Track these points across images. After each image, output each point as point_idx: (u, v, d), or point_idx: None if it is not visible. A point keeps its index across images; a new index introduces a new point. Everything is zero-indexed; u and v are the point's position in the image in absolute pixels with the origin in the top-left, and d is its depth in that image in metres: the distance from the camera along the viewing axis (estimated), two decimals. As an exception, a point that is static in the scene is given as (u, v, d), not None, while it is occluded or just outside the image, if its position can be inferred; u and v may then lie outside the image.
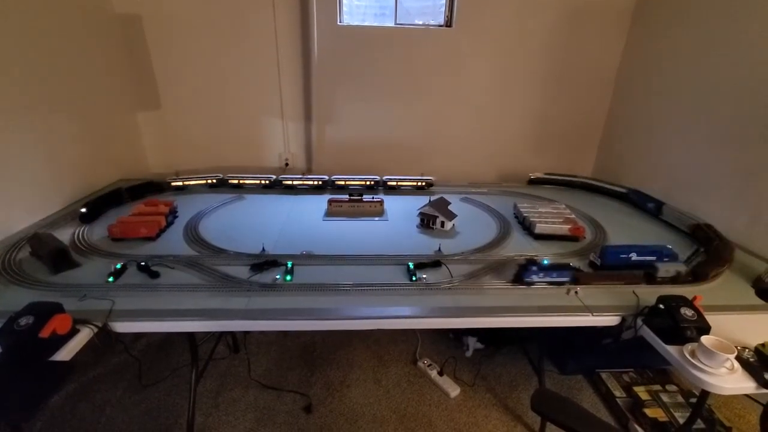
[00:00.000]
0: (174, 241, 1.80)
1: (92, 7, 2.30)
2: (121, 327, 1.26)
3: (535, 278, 1.52)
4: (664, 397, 1.91)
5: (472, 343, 2.29)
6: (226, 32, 2.58)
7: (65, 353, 1.10)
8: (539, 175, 2.72)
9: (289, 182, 2.48)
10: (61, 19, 2.05)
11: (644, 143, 2.65)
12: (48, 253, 1.52)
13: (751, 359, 1.15)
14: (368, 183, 2.52)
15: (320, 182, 2.50)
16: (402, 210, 2.21)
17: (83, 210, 1.91)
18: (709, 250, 1.74)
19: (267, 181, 2.48)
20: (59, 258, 1.53)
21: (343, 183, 2.52)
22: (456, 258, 1.70)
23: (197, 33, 2.56)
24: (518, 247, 1.84)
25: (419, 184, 2.54)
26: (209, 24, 2.55)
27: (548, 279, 1.52)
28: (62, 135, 2.11)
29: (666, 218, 2.16)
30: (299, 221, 2.06)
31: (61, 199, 2.09)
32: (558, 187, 2.74)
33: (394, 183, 2.53)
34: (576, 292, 1.47)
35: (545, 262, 1.64)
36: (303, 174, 2.56)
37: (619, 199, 2.46)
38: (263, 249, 1.70)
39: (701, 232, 1.90)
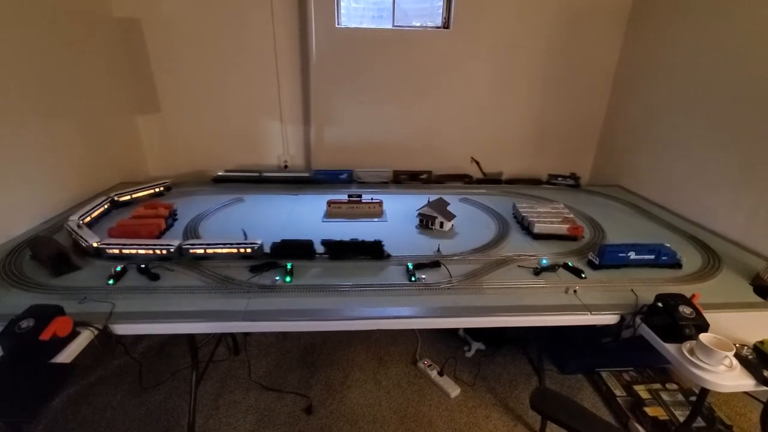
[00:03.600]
0: (174, 244, 1.80)
1: (91, 11, 2.30)
2: (122, 329, 1.26)
3: None
4: (665, 396, 1.91)
5: (476, 345, 2.30)
6: (225, 35, 2.59)
7: (66, 356, 1.11)
8: (221, 173, 2.61)
9: (128, 197, 2.23)
10: (59, 23, 2.06)
11: (642, 143, 2.65)
12: (48, 256, 1.53)
13: (750, 357, 1.15)
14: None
15: (161, 188, 2.39)
16: (401, 211, 2.22)
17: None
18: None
19: (106, 205, 2.09)
20: (60, 261, 1.53)
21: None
22: (455, 258, 1.71)
23: (196, 36, 2.57)
24: (517, 246, 1.85)
25: (156, 190, 2.37)
26: (208, 27, 2.56)
27: None
28: (62, 139, 2.11)
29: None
30: (299, 223, 2.07)
31: (62, 203, 2.10)
32: (557, 187, 2.74)
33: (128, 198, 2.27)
34: (575, 291, 1.48)
35: (544, 261, 1.65)
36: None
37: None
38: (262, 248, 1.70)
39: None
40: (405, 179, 2.73)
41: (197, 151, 2.87)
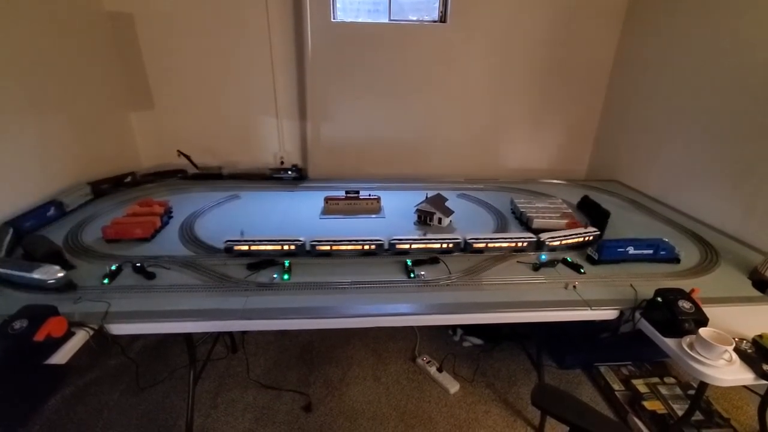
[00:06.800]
0: (169, 242, 1.79)
1: (82, 5, 2.26)
2: (118, 329, 1.24)
3: None
4: (663, 390, 1.92)
5: (460, 332, 2.35)
6: (219, 30, 2.55)
7: (60, 356, 1.09)
8: None
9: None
10: (49, 18, 2.02)
11: (639, 138, 2.65)
12: (42, 255, 1.50)
13: (749, 350, 1.15)
14: None
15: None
16: (399, 207, 2.21)
17: None
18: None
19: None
20: (53, 260, 1.51)
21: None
22: (454, 254, 1.70)
23: (189, 31, 2.54)
24: (516, 242, 1.84)
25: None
26: (201, 22, 2.52)
27: None
28: (54, 135, 2.08)
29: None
30: (296, 219, 2.05)
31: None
32: (556, 183, 2.74)
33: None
34: (574, 287, 1.47)
35: (543, 257, 1.64)
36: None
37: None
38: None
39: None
40: (107, 188, 2.28)
41: (192, 147, 2.83)
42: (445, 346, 2.30)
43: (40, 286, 1.35)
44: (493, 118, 2.96)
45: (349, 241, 1.65)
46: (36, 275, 1.33)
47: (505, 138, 3.04)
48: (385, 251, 1.68)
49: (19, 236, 1.71)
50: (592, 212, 2.13)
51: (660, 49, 2.46)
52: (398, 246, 1.66)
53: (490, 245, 1.69)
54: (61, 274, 1.36)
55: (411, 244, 1.67)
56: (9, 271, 1.37)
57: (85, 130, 2.30)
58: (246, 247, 1.62)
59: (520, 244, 1.71)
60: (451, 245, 1.68)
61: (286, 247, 1.62)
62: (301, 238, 1.64)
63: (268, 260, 1.58)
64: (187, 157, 2.48)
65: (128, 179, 2.40)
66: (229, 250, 1.62)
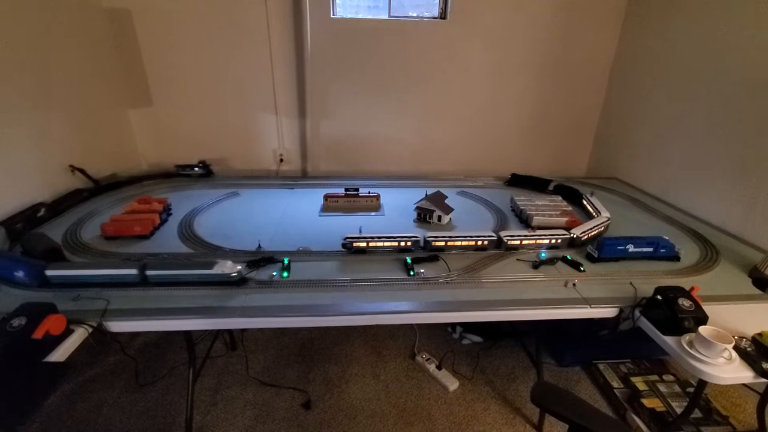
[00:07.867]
0: (168, 239, 1.78)
1: (79, 1, 2.25)
2: (116, 326, 1.24)
3: None
4: (662, 387, 1.92)
5: (459, 330, 2.35)
6: (218, 26, 2.54)
7: (59, 354, 1.09)
8: None
9: None
10: (46, 13, 2.01)
11: (640, 135, 2.65)
12: (41, 252, 1.50)
13: (749, 349, 1.15)
14: None
15: None
16: (398, 204, 2.20)
17: None
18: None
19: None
20: (52, 258, 1.50)
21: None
22: (454, 252, 1.70)
23: (188, 28, 2.52)
24: (516, 240, 1.83)
25: None
26: (200, 18, 2.51)
27: None
28: (51, 132, 2.07)
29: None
30: (295, 217, 2.05)
31: (52, 197, 2.06)
32: (556, 181, 2.72)
33: None
34: (574, 284, 1.47)
35: (543, 255, 1.64)
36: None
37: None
38: (259, 246, 1.69)
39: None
40: (20, 228, 1.77)
41: (191, 144, 2.83)
42: (444, 343, 2.31)
43: (224, 281, 1.41)
44: (493, 116, 2.96)
45: (464, 237, 1.68)
46: (218, 271, 1.39)
47: (504, 135, 3.03)
48: (496, 247, 1.70)
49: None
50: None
51: (660, 48, 2.45)
52: (510, 242, 1.68)
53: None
54: (239, 267, 1.43)
55: (522, 240, 1.69)
56: (187, 272, 1.41)
57: (83, 127, 2.29)
58: (364, 244, 1.64)
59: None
60: (558, 240, 1.71)
61: (402, 244, 1.66)
62: (417, 235, 1.67)
63: (268, 258, 1.58)
64: (82, 171, 2.23)
65: (41, 212, 1.92)
66: (347, 247, 1.64)
